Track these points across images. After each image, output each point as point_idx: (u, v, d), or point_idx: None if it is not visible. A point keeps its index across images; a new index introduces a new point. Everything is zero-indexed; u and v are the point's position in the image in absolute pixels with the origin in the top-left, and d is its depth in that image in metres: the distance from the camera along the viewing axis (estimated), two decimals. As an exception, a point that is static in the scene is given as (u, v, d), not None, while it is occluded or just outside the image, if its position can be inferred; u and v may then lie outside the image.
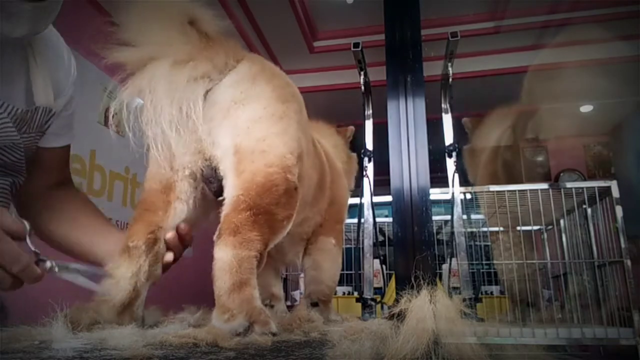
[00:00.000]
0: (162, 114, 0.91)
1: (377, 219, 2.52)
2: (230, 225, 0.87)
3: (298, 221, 1.39)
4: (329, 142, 1.80)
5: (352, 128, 2.14)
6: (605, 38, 1.96)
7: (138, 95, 0.92)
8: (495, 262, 2.14)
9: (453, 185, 2.24)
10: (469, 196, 2.05)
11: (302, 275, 2.64)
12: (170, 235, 0.96)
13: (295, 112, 1.07)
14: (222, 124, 0.97)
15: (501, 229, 2.02)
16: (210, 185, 1.02)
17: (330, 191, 1.51)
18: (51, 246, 1.12)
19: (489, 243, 2.26)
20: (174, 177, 1.00)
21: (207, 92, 0.98)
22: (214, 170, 0.99)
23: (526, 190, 1.58)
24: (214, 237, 0.88)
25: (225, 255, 0.84)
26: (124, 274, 0.90)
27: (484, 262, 2.46)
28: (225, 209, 0.91)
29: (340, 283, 1.90)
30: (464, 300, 1.25)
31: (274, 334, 0.80)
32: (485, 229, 2.05)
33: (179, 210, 0.99)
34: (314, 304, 1.49)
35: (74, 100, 1.16)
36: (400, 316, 0.80)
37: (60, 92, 1.09)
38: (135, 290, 0.90)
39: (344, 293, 2.56)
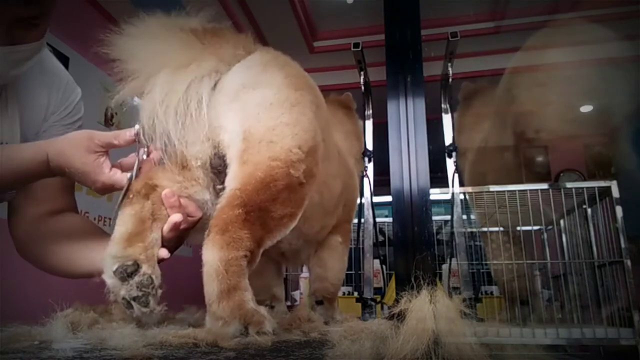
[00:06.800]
0: (168, 126, 0.92)
1: (377, 219, 2.52)
2: (220, 222, 0.86)
3: (317, 229, 1.39)
4: (340, 130, 1.78)
5: (349, 95, 2.10)
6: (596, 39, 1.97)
7: (147, 121, 0.93)
8: (495, 262, 2.15)
9: (453, 185, 2.24)
10: (464, 196, 2.05)
11: (302, 275, 2.64)
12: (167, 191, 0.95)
13: (311, 102, 1.03)
14: (231, 108, 0.96)
15: (501, 229, 2.02)
16: (219, 175, 1.01)
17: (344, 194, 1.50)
18: (51, 273, 1.12)
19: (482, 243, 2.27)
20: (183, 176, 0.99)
21: (215, 83, 0.98)
22: (222, 159, 0.98)
23: (526, 190, 1.58)
24: (205, 234, 0.87)
25: (212, 259, 0.83)
26: (128, 211, 0.91)
27: (484, 262, 2.46)
28: (221, 202, 0.90)
29: (340, 283, 1.93)
30: (464, 300, 1.25)
31: (270, 333, 0.79)
32: (484, 229, 2.05)
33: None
34: (319, 302, 1.49)
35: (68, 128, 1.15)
36: (400, 316, 0.79)
37: (31, 130, 1.10)
38: (140, 222, 0.90)
39: (344, 293, 2.56)
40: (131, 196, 0.92)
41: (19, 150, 0.96)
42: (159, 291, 0.86)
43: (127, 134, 0.95)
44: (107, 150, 0.94)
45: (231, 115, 0.96)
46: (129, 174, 0.94)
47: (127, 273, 0.84)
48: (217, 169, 1.00)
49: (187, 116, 0.92)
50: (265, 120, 0.94)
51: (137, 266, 0.84)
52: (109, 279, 0.84)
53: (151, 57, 0.94)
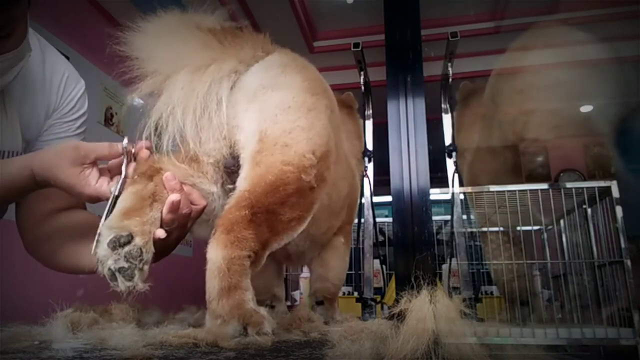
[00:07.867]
0: (185, 126, 0.91)
1: (377, 219, 2.52)
2: (225, 222, 0.86)
3: (324, 230, 1.39)
4: (342, 130, 1.78)
5: (350, 94, 2.11)
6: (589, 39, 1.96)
7: (160, 121, 0.93)
8: (495, 262, 2.15)
9: (453, 185, 2.24)
10: (464, 196, 2.05)
11: (302, 275, 2.64)
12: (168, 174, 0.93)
13: (326, 106, 1.04)
14: (249, 108, 0.96)
15: (501, 229, 2.02)
16: (231, 175, 1.01)
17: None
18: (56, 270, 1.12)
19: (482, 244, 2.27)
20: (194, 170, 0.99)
21: (234, 83, 0.97)
22: (236, 159, 0.98)
23: (526, 190, 1.58)
24: (211, 233, 0.88)
25: (215, 257, 0.83)
26: (129, 190, 0.90)
27: (484, 262, 2.46)
28: (230, 202, 0.91)
29: (341, 283, 1.94)
30: (464, 300, 1.24)
31: (269, 334, 0.79)
32: (484, 229, 2.04)
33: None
34: (319, 302, 1.49)
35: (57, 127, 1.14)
36: (400, 316, 0.79)
37: (33, 131, 1.09)
38: (139, 199, 0.88)
39: (344, 293, 2.56)
40: (135, 177, 0.92)
41: (4, 166, 0.94)
42: (146, 267, 0.83)
43: (119, 147, 0.93)
44: (95, 161, 0.93)
45: (249, 116, 0.96)
46: (112, 188, 0.91)
47: (119, 243, 0.81)
48: (230, 168, 1.00)
49: (205, 116, 0.93)
50: (282, 123, 0.94)
51: (130, 237, 0.82)
52: (102, 251, 0.82)
53: (170, 57, 0.94)
